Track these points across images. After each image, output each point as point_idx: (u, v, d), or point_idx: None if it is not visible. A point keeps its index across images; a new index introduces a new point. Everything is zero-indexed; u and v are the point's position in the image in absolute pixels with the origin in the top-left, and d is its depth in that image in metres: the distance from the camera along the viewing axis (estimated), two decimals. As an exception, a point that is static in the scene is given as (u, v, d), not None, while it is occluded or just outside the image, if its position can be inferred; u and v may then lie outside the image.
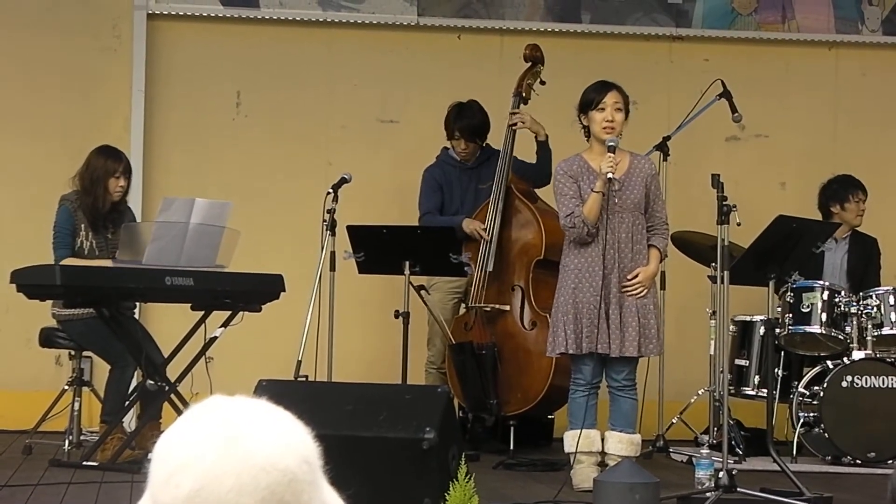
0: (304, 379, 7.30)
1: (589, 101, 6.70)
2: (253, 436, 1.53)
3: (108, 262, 7.26)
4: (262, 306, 7.46)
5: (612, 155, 6.53)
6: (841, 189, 8.61)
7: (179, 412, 7.13)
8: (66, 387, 7.72)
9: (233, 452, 1.51)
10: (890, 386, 7.81)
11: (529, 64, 8.36)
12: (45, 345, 7.72)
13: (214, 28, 9.09)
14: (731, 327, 8.09)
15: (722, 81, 8.32)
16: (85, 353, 7.77)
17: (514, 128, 8.20)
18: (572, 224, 6.61)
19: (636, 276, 6.62)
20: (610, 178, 6.52)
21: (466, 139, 8.34)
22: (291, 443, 1.55)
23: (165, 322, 8.30)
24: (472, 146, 8.37)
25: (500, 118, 8.32)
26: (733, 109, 8.35)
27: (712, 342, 7.71)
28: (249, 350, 8.36)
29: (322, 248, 7.63)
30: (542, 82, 8.33)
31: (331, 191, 7.66)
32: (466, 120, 8.34)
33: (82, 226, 7.44)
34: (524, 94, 8.30)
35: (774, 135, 9.46)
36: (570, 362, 6.82)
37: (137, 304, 7.95)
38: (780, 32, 9.45)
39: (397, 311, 7.58)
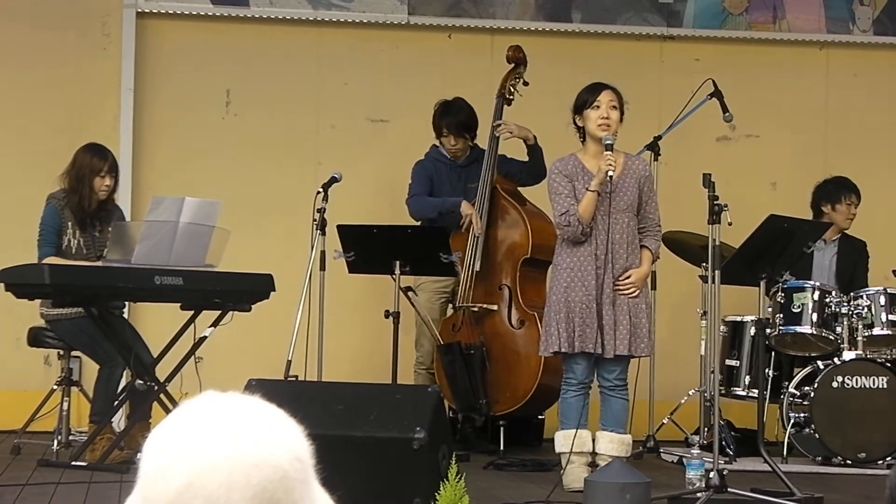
0: (293, 379, 7.28)
1: (584, 101, 6.68)
2: (245, 432, 1.51)
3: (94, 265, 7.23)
4: (252, 306, 7.43)
5: (609, 153, 6.51)
6: (835, 190, 8.60)
7: (169, 412, 7.10)
8: (55, 386, 7.70)
9: (224, 448, 1.50)
10: (880, 386, 7.80)
11: (512, 65, 8.37)
12: (33, 344, 7.69)
13: (204, 26, 9.06)
14: (722, 327, 8.08)
15: (713, 81, 8.31)
16: (74, 353, 7.74)
17: (502, 139, 8.17)
18: (567, 222, 6.58)
19: (629, 277, 6.61)
20: (610, 177, 6.49)
21: (455, 135, 8.32)
22: (284, 440, 1.53)
23: (155, 322, 8.27)
24: (462, 141, 8.35)
25: (491, 116, 8.30)
26: (724, 109, 8.34)
27: (703, 342, 7.70)
28: (239, 350, 8.33)
29: (312, 248, 7.61)
30: (526, 83, 8.34)
31: (321, 190, 7.64)
32: (453, 116, 8.33)
33: (69, 224, 7.41)
34: (507, 96, 8.31)
35: (765, 135, 9.45)
36: (560, 361, 6.80)
37: (126, 303, 7.92)
38: (771, 32, 9.44)
39: (387, 310, 7.57)
